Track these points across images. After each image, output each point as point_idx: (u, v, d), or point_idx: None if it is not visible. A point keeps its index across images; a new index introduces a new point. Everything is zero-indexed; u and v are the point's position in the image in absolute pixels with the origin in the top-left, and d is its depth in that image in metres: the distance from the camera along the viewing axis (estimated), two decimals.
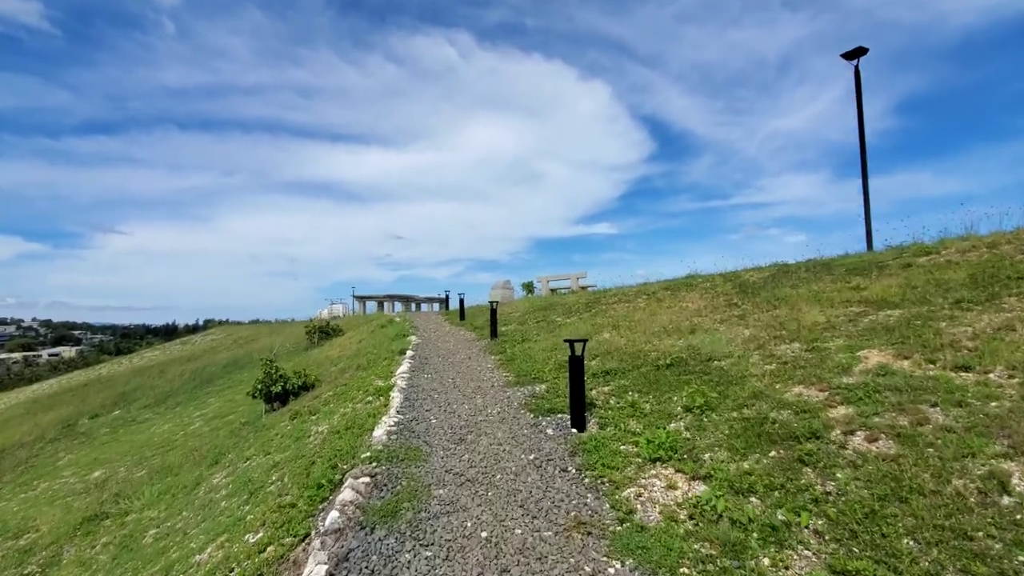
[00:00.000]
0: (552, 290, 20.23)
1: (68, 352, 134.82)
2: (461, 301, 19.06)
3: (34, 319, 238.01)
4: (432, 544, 3.76)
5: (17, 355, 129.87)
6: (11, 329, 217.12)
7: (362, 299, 48.48)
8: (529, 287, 21.68)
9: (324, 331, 20.62)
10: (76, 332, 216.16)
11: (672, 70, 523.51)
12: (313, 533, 4.08)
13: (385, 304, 50.38)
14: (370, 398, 8.18)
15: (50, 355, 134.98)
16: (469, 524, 4.02)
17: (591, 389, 6.99)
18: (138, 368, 28.02)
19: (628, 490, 4.34)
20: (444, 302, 59.60)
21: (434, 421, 6.79)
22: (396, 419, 6.77)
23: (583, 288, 19.11)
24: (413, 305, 55.51)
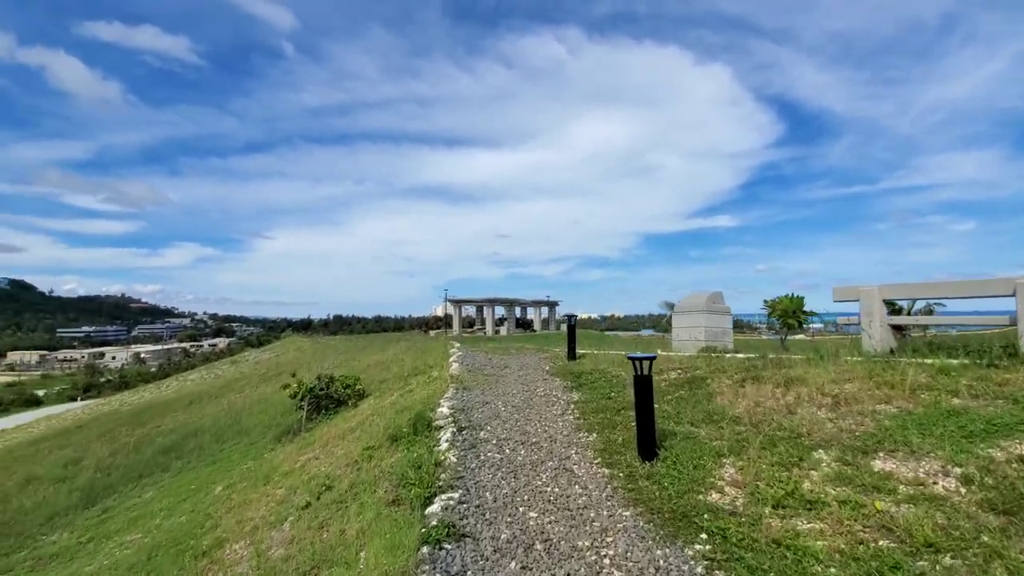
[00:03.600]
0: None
1: (223, 343, 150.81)
2: (571, 328, 12.11)
3: (204, 312, 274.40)
4: None
5: (184, 345, 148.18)
6: (186, 321, 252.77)
7: (457, 303, 45.00)
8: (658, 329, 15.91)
9: (328, 397, 12.16)
10: (234, 325, 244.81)
11: (804, 44, 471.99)
12: None
13: (485, 309, 46.68)
14: None
15: (209, 344, 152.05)
16: None
17: None
18: (152, 404, 25.46)
19: None
20: (551, 307, 55.03)
21: None
22: None
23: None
24: (518, 309, 51.34)
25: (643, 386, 5.41)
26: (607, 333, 66.34)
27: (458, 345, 17.55)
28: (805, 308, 9.56)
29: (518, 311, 51.04)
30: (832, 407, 5.97)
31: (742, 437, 5.56)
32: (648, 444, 5.38)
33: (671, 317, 11.65)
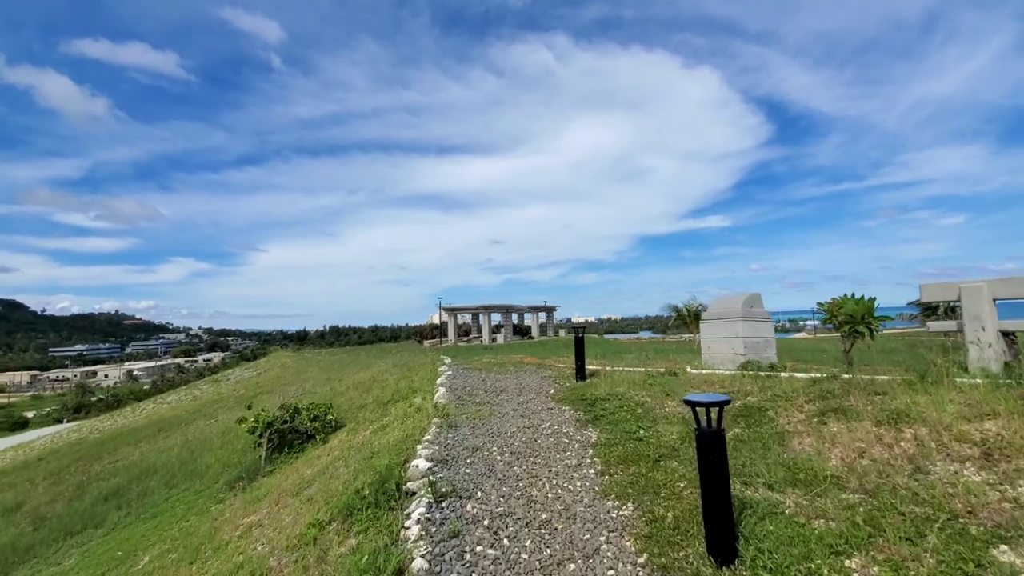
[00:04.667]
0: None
1: (217, 358, 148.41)
2: (578, 343, 9.92)
3: (199, 327, 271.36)
4: None
5: (179, 360, 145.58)
6: (180, 336, 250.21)
7: (452, 311, 42.78)
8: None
9: (293, 431, 10.33)
10: (229, 339, 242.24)
11: (789, 45, 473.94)
12: None
13: (480, 316, 44.50)
14: None
15: (204, 359, 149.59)
16: None
17: None
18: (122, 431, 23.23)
19: None
20: (549, 312, 52.84)
21: None
22: None
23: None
24: (514, 315, 49.24)
25: (712, 447, 3.48)
26: (607, 337, 64.43)
27: (448, 361, 15.59)
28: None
29: (515, 317, 49.02)
30: (982, 461, 4.07)
31: (859, 513, 3.65)
32: (723, 538, 3.45)
33: (701, 324, 9.71)
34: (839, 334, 7.86)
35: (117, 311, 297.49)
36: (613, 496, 4.66)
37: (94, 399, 78.07)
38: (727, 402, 3.49)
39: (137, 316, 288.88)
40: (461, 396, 9.30)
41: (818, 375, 6.82)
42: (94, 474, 15.04)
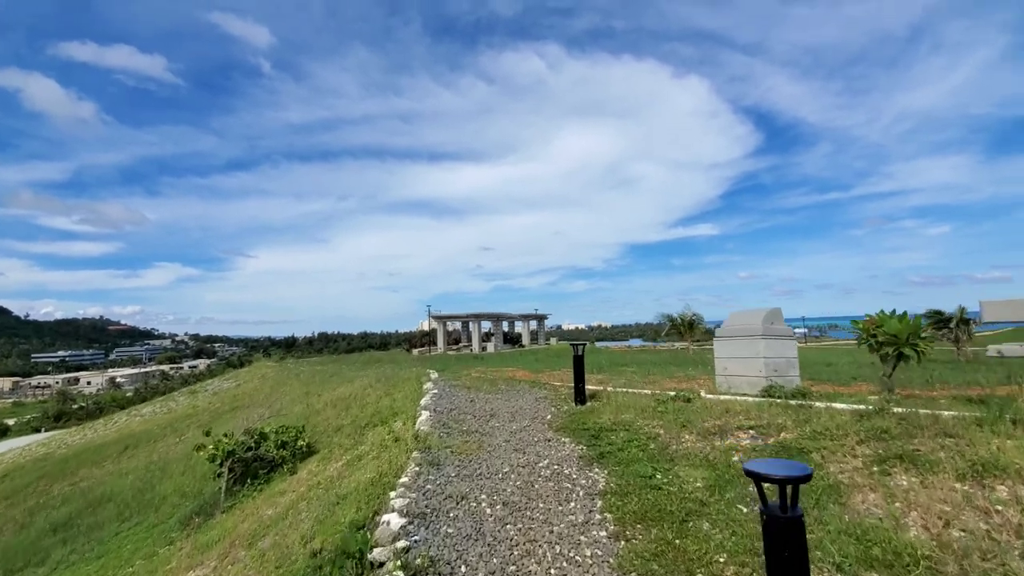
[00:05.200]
0: None
1: (203, 364, 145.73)
2: (577, 362, 8.58)
3: (186, 333, 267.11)
4: None
5: (164, 367, 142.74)
6: (166, 343, 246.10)
7: (442, 319, 41.53)
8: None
9: (258, 459, 9.13)
10: (216, 345, 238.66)
11: (777, 56, 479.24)
12: None
13: (470, 324, 43.29)
14: None
15: (190, 366, 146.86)
16: None
17: None
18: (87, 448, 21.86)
19: None
20: (540, 320, 51.64)
21: None
22: None
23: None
24: (505, 323, 48.11)
25: (788, 536, 2.47)
26: (598, 345, 63.40)
27: (435, 376, 14.52)
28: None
29: (505, 325, 47.94)
30: None
31: None
32: None
33: (715, 342, 8.68)
34: (876, 356, 6.90)
35: (102, 317, 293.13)
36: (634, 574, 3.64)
37: (75, 407, 75.78)
38: (808, 477, 2.49)
39: (122, 322, 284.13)
40: (446, 422, 8.25)
41: (861, 406, 5.85)
42: (50, 498, 13.78)
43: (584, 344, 8.92)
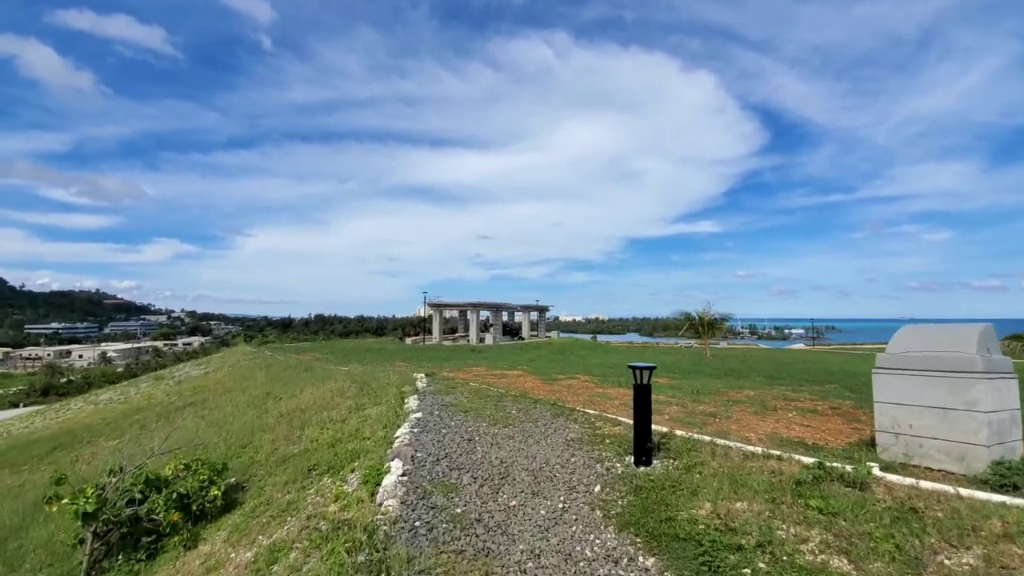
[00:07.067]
0: None
1: (198, 342, 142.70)
2: (640, 393, 5.40)
3: (182, 310, 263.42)
4: None
5: (158, 343, 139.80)
6: (162, 318, 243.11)
7: (439, 307, 38.01)
8: None
9: (140, 520, 6.05)
10: (212, 323, 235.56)
11: (786, 54, 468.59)
12: None
13: (469, 313, 39.67)
14: None
15: (184, 343, 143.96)
16: None
17: None
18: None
19: None
20: (541, 312, 48.15)
21: None
22: None
23: None
24: (504, 314, 44.65)
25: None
26: (599, 339, 60.20)
27: (423, 384, 11.31)
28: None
29: (505, 316, 44.74)
30: None
31: None
32: None
33: (876, 376, 5.21)
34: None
35: (98, 290, 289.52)
36: None
37: (63, 380, 72.76)
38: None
39: (118, 296, 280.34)
40: (428, 492, 5.02)
41: None
42: None
43: (651, 369, 5.59)
